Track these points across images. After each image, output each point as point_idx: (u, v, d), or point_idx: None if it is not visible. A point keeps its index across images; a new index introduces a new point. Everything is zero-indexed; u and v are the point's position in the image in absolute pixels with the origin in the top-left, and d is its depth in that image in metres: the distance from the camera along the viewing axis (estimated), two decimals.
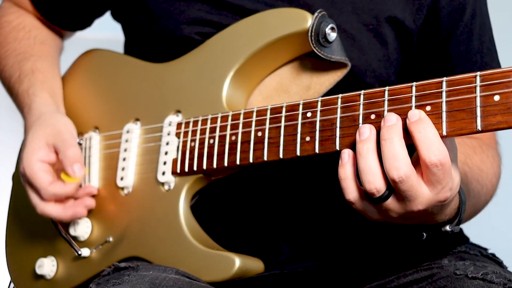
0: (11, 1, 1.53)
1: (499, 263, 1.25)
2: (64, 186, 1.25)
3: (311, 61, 1.22)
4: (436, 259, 1.19)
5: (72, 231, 1.30)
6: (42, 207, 1.26)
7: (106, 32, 1.57)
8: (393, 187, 0.96)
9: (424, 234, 1.08)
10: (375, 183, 0.96)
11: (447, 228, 1.07)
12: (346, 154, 1.00)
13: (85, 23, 1.52)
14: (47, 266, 1.33)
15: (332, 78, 1.21)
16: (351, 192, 0.99)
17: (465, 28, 1.28)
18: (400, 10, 1.24)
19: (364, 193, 0.98)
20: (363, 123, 1.03)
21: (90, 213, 1.31)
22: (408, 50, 1.27)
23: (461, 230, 1.34)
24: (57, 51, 1.51)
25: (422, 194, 0.96)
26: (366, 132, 0.99)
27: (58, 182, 1.25)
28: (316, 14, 1.15)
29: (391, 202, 0.98)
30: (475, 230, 1.45)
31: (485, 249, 1.29)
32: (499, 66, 1.32)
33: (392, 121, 0.97)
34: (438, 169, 0.95)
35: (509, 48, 1.57)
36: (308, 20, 1.16)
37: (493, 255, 1.28)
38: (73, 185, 1.25)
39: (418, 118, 0.96)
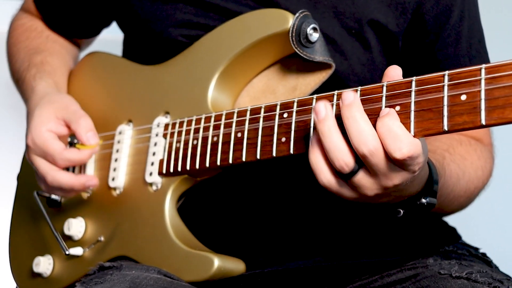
0: (24, 10, 1.58)
1: (488, 263, 1.23)
2: (79, 152, 1.26)
3: (297, 62, 1.21)
4: (421, 258, 1.17)
5: (66, 230, 1.33)
6: (54, 174, 1.26)
7: (108, 32, 1.59)
8: (364, 163, 0.96)
9: (401, 210, 1.06)
10: (344, 158, 0.96)
11: (423, 200, 1.04)
12: (315, 139, 0.99)
13: (93, 32, 1.55)
14: (43, 265, 1.35)
15: (317, 78, 1.20)
16: (324, 175, 0.99)
17: (452, 30, 1.26)
18: (382, 13, 1.23)
19: (336, 172, 0.98)
20: None
21: (84, 212, 1.34)
22: (392, 54, 1.26)
23: (454, 229, 1.32)
24: (69, 52, 1.54)
25: (395, 169, 0.95)
26: (322, 111, 0.97)
27: (73, 148, 1.27)
28: (297, 14, 1.15)
29: (363, 177, 0.97)
30: (475, 229, 1.42)
31: (476, 249, 1.27)
32: None
33: (349, 98, 0.96)
34: (407, 161, 0.94)
35: (509, 48, 1.54)
36: (289, 20, 1.16)
37: (484, 254, 1.25)
38: (88, 152, 1.27)
39: (385, 114, 0.95)
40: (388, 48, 1.25)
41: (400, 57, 1.27)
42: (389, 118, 0.94)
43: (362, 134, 0.94)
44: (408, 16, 1.23)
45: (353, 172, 0.97)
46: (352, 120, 0.95)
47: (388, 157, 0.94)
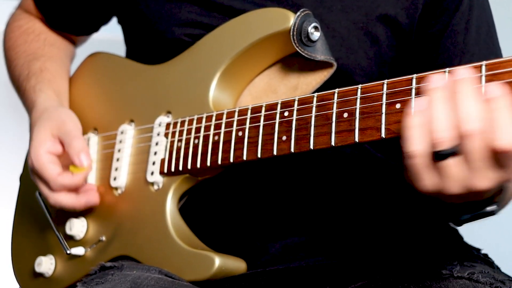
0: (22, 9, 1.58)
1: (490, 263, 1.22)
2: (72, 177, 1.26)
3: (298, 61, 1.21)
4: (423, 258, 1.16)
5: (68, 230, 1.33)
6: (55, 198, 1.27)
7: (109, 32, 1.59)
8: (461, 144, 0.88)
9: (464, 216, 1.01)
10: (449, 131, 0.88)
11: (493, 207, 0.98)
12: (421, 102, 0.91)
13: (92, 28, 1.55)
14: (45, 264, 1.35)
15: (318, 78, 1.20)
16: (417, 144, 0.89)
17: (461, 18, 1.24)
18: (391, 6, 1.22)
19: (430, 149, 0.89)
20: (336, 122, 1.03)
21: (86, 212, 1.34)
22: (404, 46, 1.25)
23: (456, 230, 1.32)
24: (67, 54, 1.54)
25: (492, 165, 0.88)
26: (441, 80, 0.91)
27: (67, 173, 1.27)
28: (298, 13, 1.15)
29: (455, 165, 0.88)
30: (476, 231, 1.41)
31: (478, 250, 1.26)
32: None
33: (464, 74, 0.90)
34: (505, 155, 0.87)
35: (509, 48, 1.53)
36: (290, 19, 1.16)
37: (485, 255, 1.24)
38: (81, 175, 1.27)
39: (495, 96, 0.87)
40: (399, 41, 1.24)
41: (408, 49, 1.25)
42: (504, 102, 0.87)
43: (468, 111, 0.88)
44: (419, 6, 1.22)
45: (449, 153, 0.88)
46: (463, 95, 0.89)
47: (489, 147, 0.87)
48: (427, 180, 0.91)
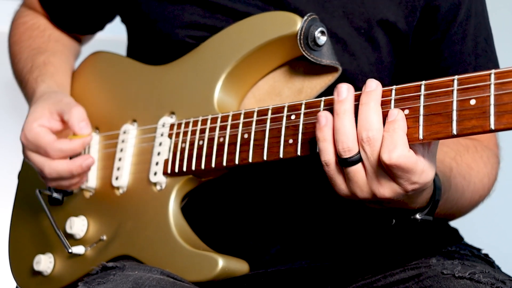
0: (26, 6, 1.58)
1: (491, 263, 1.23)
2: (70, 142, 1.26)
3: (303, 64, 1.22)
4: (424, 258, 1.18)
5: (68, 229, 1.33)
6: (49, 164, 1.26)
7: (111, 32, 1.59)
8: (360, 151, 0.97)
9: (393, 220, 1.08)
10: (348, 143, 0.97)
11: (417, 216, 1.06)
12: (324, 117, 1.00)
13: (97, 27, 1.55)
14: (44, 263, 1.35)
15: (323, 82, 1.21)
16: (328, 154, 1.00)
17: (459, 28, 1.26)
18: (392, 12, 1.24)
19: (337, 156, 0.99)
20: None
21: (87, 211, 1.34)
22: (402, 53, 1.27)
23: (456, 230, 1.33)
24: (72, 51, 1.54)
25: (385, 176, 0.97)
26: (343, 93, 0.99)
27: (64, 139, 1.27)
28: (305, 17, 1.16)
29: (358, 172, 0.98)
30: (474, 230, 1.43)
31: (478, 249, 1.27)
32: (496, 67, 1.30)
33: (371, 87, 0.98)
34: (393, 169, 0.95)
35: (509, 48, 1.54)
36: (297, 23, 1.16)
37: (486, 255, 1.26)
38: (80, 141, 1.27)
39: (393, 119, 0.96)
40: (397, 47, 1.26)
41: (407, 55, 1.27)
42: (398, 125, 0.95)
43: (368, 121, 0.96)
44: (417, 14, 1.24)
45: (352, 162, 0.98)
46: (366, 106, 0.97)
47: (380, 159, 0.96)
48: (340, 185, 1.02)
